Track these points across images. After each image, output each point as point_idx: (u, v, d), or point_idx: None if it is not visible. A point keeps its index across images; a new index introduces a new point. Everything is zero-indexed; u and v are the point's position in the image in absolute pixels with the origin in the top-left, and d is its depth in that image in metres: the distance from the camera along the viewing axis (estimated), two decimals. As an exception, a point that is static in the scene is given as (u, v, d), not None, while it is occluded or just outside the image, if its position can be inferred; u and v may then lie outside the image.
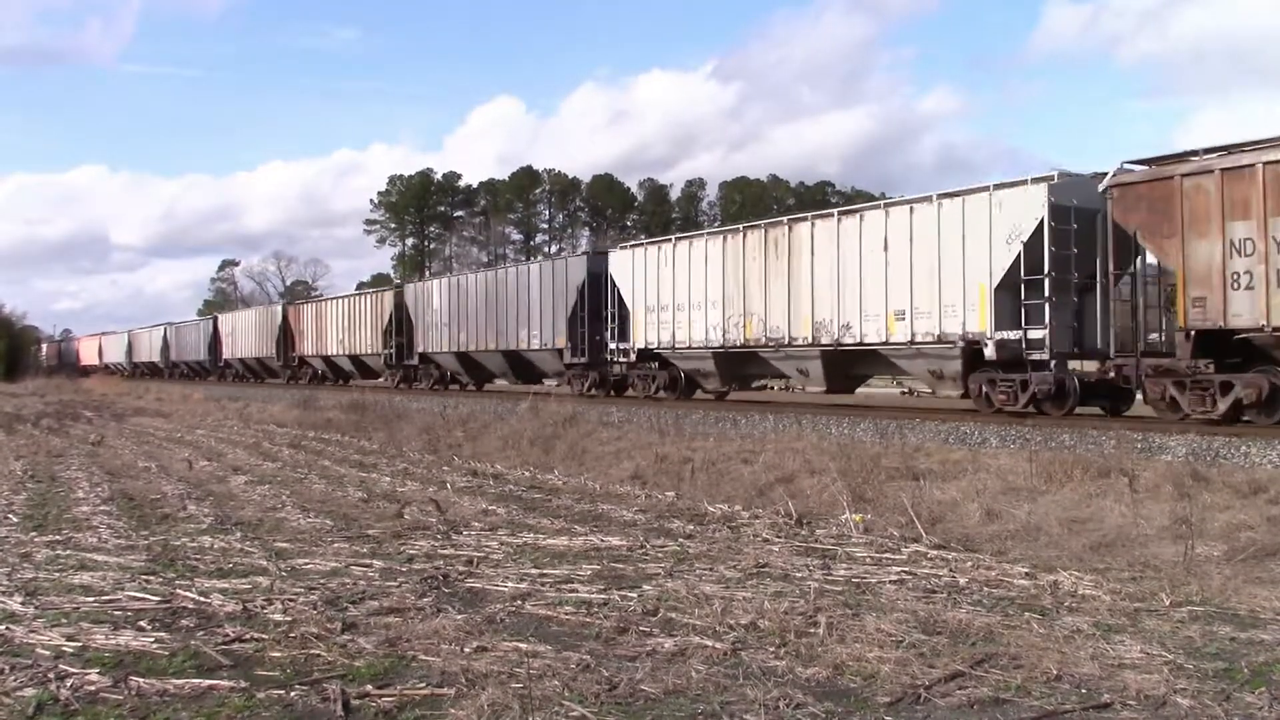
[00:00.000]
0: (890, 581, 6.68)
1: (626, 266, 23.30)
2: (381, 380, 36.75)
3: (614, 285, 23.88)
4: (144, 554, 8.01)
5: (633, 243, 24.38)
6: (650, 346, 22.53)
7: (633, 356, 23.28)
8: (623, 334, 23.67)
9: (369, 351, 36.32)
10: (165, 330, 62.09)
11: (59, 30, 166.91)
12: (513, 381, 30.24)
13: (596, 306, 24.61)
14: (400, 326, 34.17)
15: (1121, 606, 5.94)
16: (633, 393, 24.17)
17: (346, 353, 38.12)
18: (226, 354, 51.19)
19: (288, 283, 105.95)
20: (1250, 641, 5.28)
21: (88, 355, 79.01)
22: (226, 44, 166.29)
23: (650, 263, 22.47)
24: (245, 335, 48.73)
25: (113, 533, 9.07)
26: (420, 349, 32.86)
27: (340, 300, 40.56)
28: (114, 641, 5.44)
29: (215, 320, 55.22)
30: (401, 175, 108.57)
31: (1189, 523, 7.96)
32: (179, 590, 6.60)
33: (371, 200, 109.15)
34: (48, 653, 5.26)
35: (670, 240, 22.60)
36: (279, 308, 45.91)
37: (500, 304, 28.48)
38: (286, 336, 43.77)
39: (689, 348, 21.37)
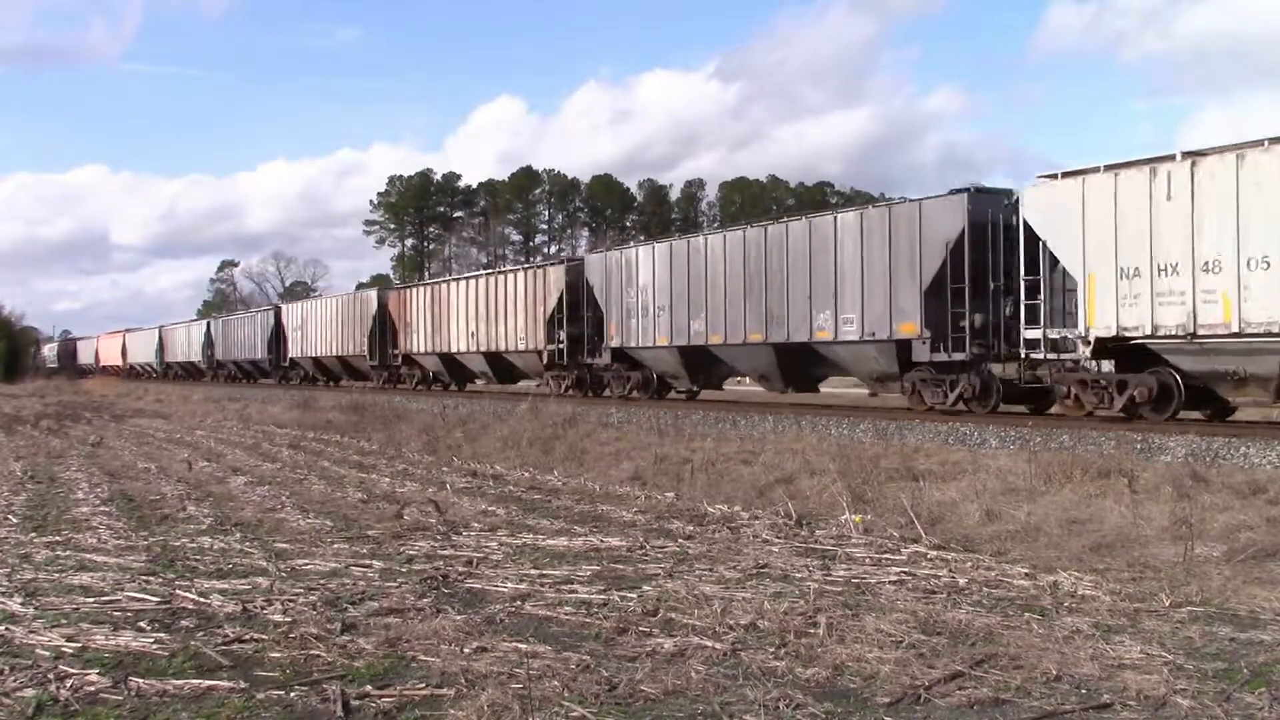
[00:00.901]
0: (890, 582, 6.69)
1: (1069, 201, 14.01)
2: (536, 385, 28.10)
3: (1034, 237, 14.81)
4: (144, 555, 8.02)
5: (1080, 168, 14.24)
6: (1126, 332, 13.51)
7: (1085, 351, 14.25)
8: (1038, 313, 14.94)
9: (520, 347, 27.14)
10: (209, 325, 54.46)
11: (60, 30, 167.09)
12: (775, 387, 20.90)
13: (976, 276, 15.76)
14: (573, 314, 25.26)
15: (1121, 607, 5.95)
16: (1061, 409, 15.59)
17: (480, 349, 28.89)
18: (293, 352, 42.65)
19: (287, 283, 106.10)
20: (1250, 642, 5.28)
21: (107, 354, 70.97)
22: (227, 44, 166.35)
23: (1157, 189, 12.91)
24: (321, 329, 39.67)
25: (112, 533, 9.07)
26: (613, 343, 23.81)
27: (472, 281, 30.43)
28: (114, 642, 5.44)
29: (277, 312, 46.13)
30: (401, 176, 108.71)
31: (1189, 523, 7.97)
32: (179, 591, 6.60)
33: (371, 201, 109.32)
34: (48, 653, 5.26)
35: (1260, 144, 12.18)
36: (373, 294, 37.23)
37: (770, 276, 19.29)
38: (384, 330, 35.20)
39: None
